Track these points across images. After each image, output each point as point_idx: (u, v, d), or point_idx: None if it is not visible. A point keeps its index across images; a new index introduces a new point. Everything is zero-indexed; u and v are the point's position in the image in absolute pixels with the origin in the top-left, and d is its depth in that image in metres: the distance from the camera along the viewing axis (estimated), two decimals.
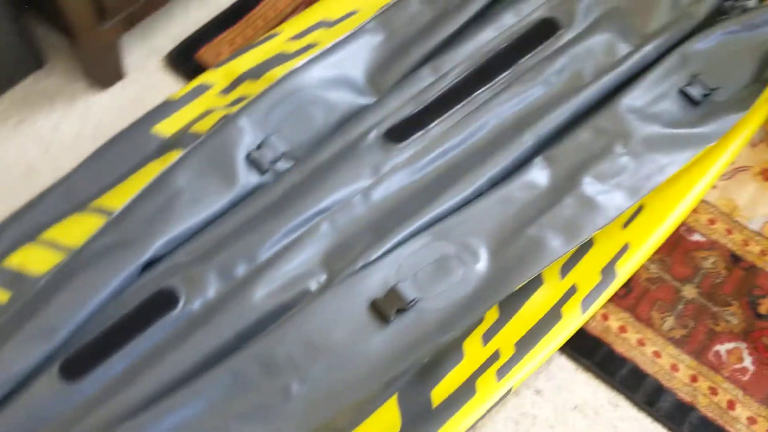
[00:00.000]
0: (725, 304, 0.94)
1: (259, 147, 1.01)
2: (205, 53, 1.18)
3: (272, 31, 1.15)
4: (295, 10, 1.23)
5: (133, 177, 0.99)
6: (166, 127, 1.04)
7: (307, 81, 1.06)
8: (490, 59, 1.10)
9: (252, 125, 1.01)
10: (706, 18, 1.13)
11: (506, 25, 1.13)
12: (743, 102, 1.05)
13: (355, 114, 1.06)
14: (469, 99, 1.06)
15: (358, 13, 1.17)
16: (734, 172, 1.04)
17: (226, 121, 1.01)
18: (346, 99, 1.07)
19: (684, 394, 0.88)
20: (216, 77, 1.09)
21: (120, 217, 0.93)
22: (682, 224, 0.99)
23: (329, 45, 1.09)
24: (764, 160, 1.05)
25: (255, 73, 1.08)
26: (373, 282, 0.90)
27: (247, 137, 1.01)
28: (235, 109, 1.03)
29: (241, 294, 0.89)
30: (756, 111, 1.05)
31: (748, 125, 1.05)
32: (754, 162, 1.05)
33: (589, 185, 0.98)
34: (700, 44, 1.09)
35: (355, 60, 1.10)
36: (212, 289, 0.90)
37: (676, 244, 0.98)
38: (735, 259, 0.97)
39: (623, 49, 1.10)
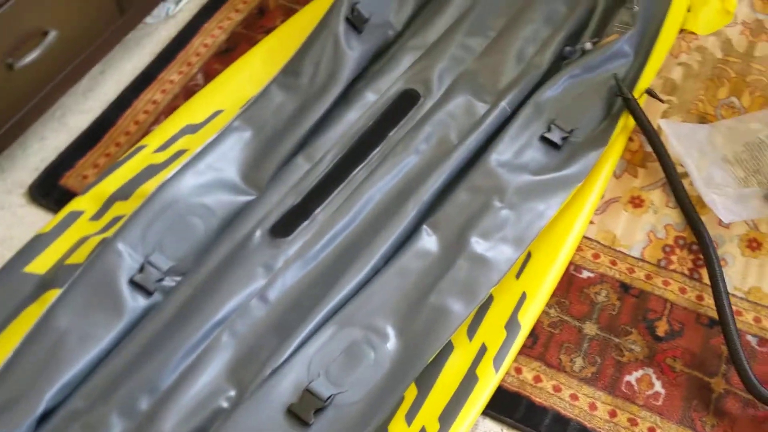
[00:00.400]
0: (625, 333, 0.98)
1: (141, 269, 0.97)
2: (69, 179, 1.13)
3: (138, 145, 1.12)
4: (157, 120, 1.21)
5: (12, 325, 0.93)
6: (39, 265, 0.99)
7: (182, 191, 1.04)
8: (361, 138, 1.12)
9: (131, 247, 0.98)
10: (551, 66, 1.21)
11: (369, 103, 1.16)
12: (600, 138, 1.12)
13: (237, 214, 1.04)
14: (347, 180, 1.07)
15: (223, 112, 1.17)
16: (606, 205, 1.09)
17: (103, 247, 0.97)
18: (224, 201, 1.05)
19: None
20: (85, 203, 1.05)
21: (3, 374, 0.86)
22: (571, 264, 1.03)
23: (198, 150, 1.08)
24: (630, 189, 1.11)
25: (125, 192, 1.05)
26: (286, 387, 0.87)
27: (127, 261, 0.97)
28: (110, 233, 0.99)
29: (150, 429, 0.84)
30: (613, 145, 1.12)
31: (609, 159, 1.11)
32: (621, 192, 1.11)
33: (477, 244, 1.00)
34: (550, 91, 1.15)
35: (227, 160, 1.09)
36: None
37: (570, 284, 1.01)
38: (624, 288, 1.02)
39: (481, 108, 1.14)
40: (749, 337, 0.99)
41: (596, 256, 1.05)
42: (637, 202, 1.10)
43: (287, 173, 1.08)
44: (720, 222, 1.07)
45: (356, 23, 1.20)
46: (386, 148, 1.11)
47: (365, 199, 1.05)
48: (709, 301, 1.01)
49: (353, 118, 1.14)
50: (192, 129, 1.14)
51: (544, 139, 1.11)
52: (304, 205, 1.05)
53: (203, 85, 1.22)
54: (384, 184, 1.07)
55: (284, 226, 1.03)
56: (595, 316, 1.00)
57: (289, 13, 1.35)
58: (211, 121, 1.15)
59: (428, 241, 1.02)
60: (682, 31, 1.28)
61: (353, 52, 1.19)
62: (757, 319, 1.00)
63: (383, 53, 1.24)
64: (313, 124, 1.13)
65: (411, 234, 1.03)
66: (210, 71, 1.27)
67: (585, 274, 1.03)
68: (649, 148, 1.14)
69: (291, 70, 1.18)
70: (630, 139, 1.17)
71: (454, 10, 1.28)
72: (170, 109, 1.21)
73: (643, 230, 1.08)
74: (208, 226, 1.03)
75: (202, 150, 1.08)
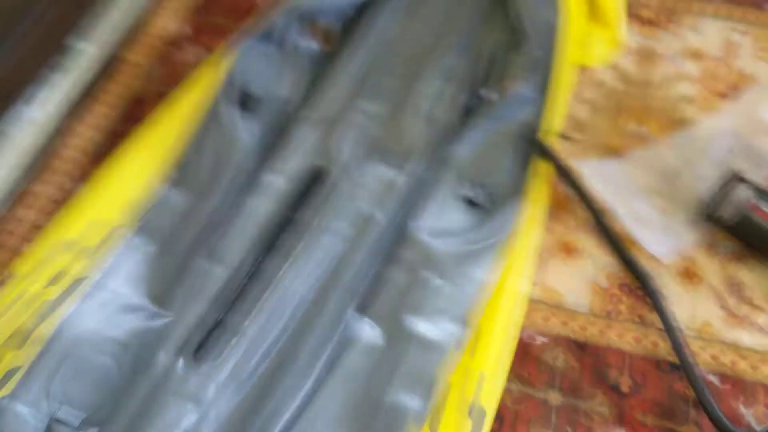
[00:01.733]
0: (591, 396, 0.93)
1: (49, 427, 0.83)
2: None
3: (7, 272, 0.98)
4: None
5: None
6: None
7: (84, 328, 0.92)
8: (272, 229, 1.03)
9: (33, 406, 0.84)
10: (459, 121, 1.16)
11: (274, 188, 1.07)
12: (520, 190, 1.08)
13: (152, 343, 0.92)
14: (267, 283, 0.97)
15: (112, 223, 1.04)
16: (544, 261, 1.05)
17: (1, 412, 0.82)
18: (136, 330, 0.93)
19: None
20: None
21: None
22: (523, 330, 0.97)
23: (97, 277, 0.95)
24: (563, 239, 1.07)
25: (17, 339, 0.91)
26: None
27: (31, 423, 0.83)
28: (4, 392, 0.85)
29: None
30: (536, 194, 1.08)
31: (535, 210, 1.07)
32: (555, 244, 1.07)
33: (420, 325, 0.94)
34: (461, 148, 1.11)
35: (131, 282, 0.98)
36: None
37: (525, 354, 0.96)
38: (580, 347, 0.97)
39: (393, 175, 1.08)
40: (711, 377, 0.96)
41: (546, 318, 1.00)
42: (573, 253, 1.07)
43: (201, 284, 0.97)
44: (653, 257, 1.04)
45: (248, 104, 1.11)
46: (302, 235, 1.02)
47: (291, 297, 0.96)
48: (665, 345, 0.98)
49: (260, 208, 1.05)
50: (77, 248, 1.01)
51: (464, 200, 1.07)
52: (228, 318, 0.94)
53: (81, 193, 1.09)
54: (308, 275, 0.98)
55: (209, 348, 0.92)
56: (558, 383, 0.95)
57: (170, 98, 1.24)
58: (101, 237, 1.02)
59: (369, 332, 0.94)
60: (578, 66, 1.27)
61: (249, 136, 1.11)
62: (714, 356, 0.98)
63: (282, 131, 1.15)
64: (217, 222, 1.03)
65: (348, 328, 0.94)
66: (87, 177, 1.14)
67: (539, 340, 0.98)
68: (569, 188, 1.11)
69: (183, 165, 1.08)
70: (551, 185, 1.13)
71: (349, 77, 1.21)
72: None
73: (586, 282, 1.04)
74: (120, 363, 0.90)
75: (102, 276, 0.96)
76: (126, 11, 1.38)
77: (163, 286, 0.97)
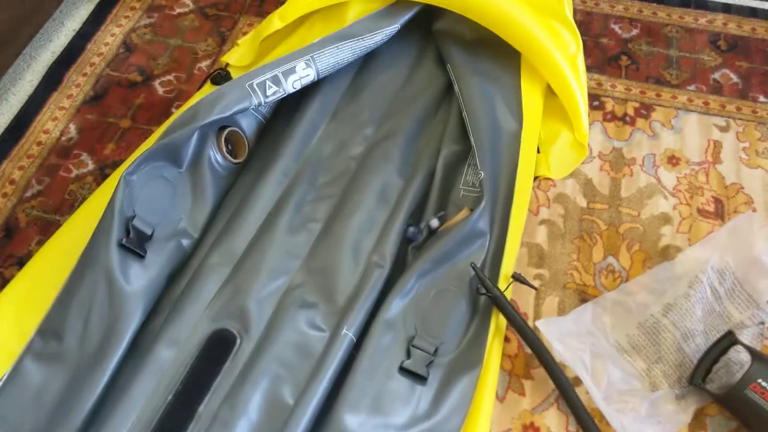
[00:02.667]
0: None
1: None
2: None
3: None
4: None
5: None
6: None
7: None
8: (159, 426, 0.81)
9: None
10: (396, 258, 0.96)
11: (165, 362, 0.86)
12: (472, 353, 0.88)
13: None
14: None
15: None
16: None
17: None
18: None
19: None
20: None
21: None
22: None
23: None
24: (519, 415, 0.87)
25: None
26: None
27: None
28: None
29: None
30: (489, 357, 0.88)
31: (488, 378, 0.87)
32: (510, 422, 0.88)
33: None
34: (400, 300, 0.91)
35: None
36: None
37: None
38: None
39: (317, 341, 0.88)
40: None
41: None
42: None
43: None
44: None
45: (135, 247, 0.89)
46: (202, 424, 0.80)
47: None
48: None
49: (146, 392, 0.83)
50: None
51: (405, 372, 0.86)
52: None
53: None
54: None
55: None
56: None
57: (48, 228, 1.03)
58: None
59: None
60: (536, 178, 1.08)
61: (136, 286, 0.88)
62: None
63: (180, 278, 0.94)
64: (91, 409, 0.81)
65: None
66: None
67: None
68: (529, 349, 0.92)
69: (51, 330, 0.86)
70: (506, 339, 0.94)
71: (266, 199, 1.00)
72: None
73: None
74: None
75: None
76: (4, 112, 1.17)
77: None
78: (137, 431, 0.80)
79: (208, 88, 1.09)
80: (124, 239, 0.87)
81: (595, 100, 1.20)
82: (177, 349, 0.86)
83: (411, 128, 1.08)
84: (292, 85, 1.02)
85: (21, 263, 1.00)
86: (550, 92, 1.13)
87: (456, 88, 1.08)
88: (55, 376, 0.83)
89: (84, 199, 1.06)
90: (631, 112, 1.19)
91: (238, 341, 0.87)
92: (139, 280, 0.88)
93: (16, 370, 0.83)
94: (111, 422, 0.80)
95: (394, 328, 0.88)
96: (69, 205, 1.06)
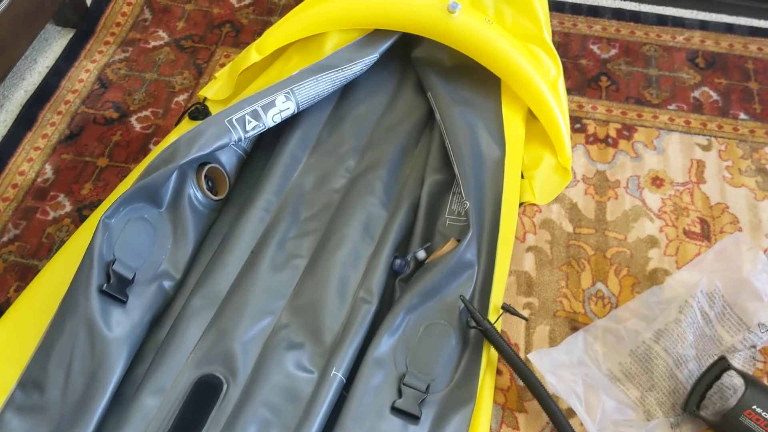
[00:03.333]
0: None
1: None
2: None
3: None
4: None
5: None
6: None
7: None
8: None
9: None
10: (384, 293, 0.95)
11: (150, 412, 0.83)
12: (464, 389, 0.87)
13: None
14: None
15: None
16: None
17: None
18: None
19: None
20: None
21: None
22: None
23: None
24: None
25: None
26: None
27: None
28: None
29: None
30: (482, 390, 0.87)
31: (481, 413, 0.86)
32: None
33: None
34: (388, 337, 0.89)
35: None
36: None
37: None
38: None
39: (305, 384, 0.86)
40: None
41: None
42: None
43: None
44: None
45: (116, 292, 0.87)
46: None
47: None
48: None
49: None
50: None
51: (397, 411, 0.84)
52: None
53: None
54: None
55: None
56: None
57: (26, 273, 1.00)
58: None
59: None
60: (521, 204, 1.07)
61: (117, 333, 0.86)
62: None
63: (162, 323, 0.92)
64: None
65: None
66: None
67: None
68: (522, 382, 0.90)
69: (32, 382, 0.83)
70: (498, 372, 0.92)
71: (248, 236, 0.98)
72: None
73: None
74: None
75: None
76: None
77: None
78: None
79: (186, 124, 1.07)
80: (105, 285, 0.85)
81: (576, 123, 1.20)
82: (162, 398, 0.84)
83: (393, 158, 1.07)
84: (272, 119, 1.01)
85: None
86: (531, 117, 1.12)
87: (437, 116, 1.07)
88: (38, 430, 0.80)
89: (62, 242, 1.04)
90: (613, 133, 1.19)
91: (225, 387, 0.85)
92: (121, 326, 0.86)
93: None
94: None
95: (384, 366, 0.87)
96: (47, 249, 1.04)
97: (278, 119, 1.02)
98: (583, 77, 1.28)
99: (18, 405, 0.82)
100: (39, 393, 0.82)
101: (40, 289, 0.92)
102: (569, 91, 1.22)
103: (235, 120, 0.97)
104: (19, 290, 0.99)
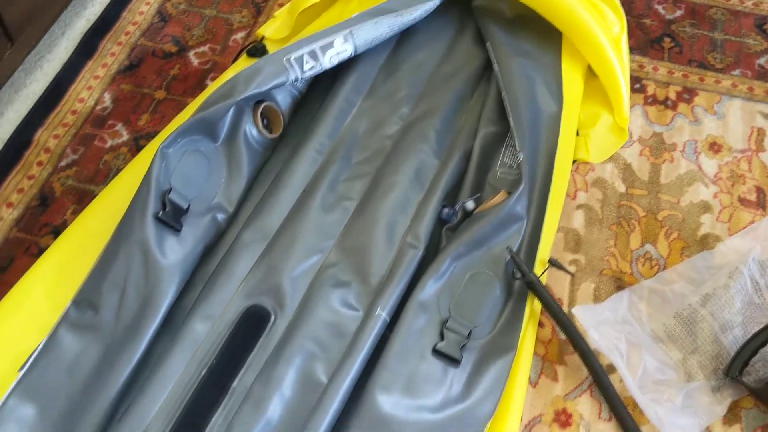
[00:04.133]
0: None
1: None
2: None
3: None
4: None
5: None
6: None
7: None
8: (193, 398, 0.81)
9: None
10: (431, 240, 0.95)
11: (199, 337, 0.85)
12: (506, 338, 0.87)
13: None
14: None
15: None
16: (527, 430, 0.85)
17: None
18: None
19: None
20: None
21: None
22: None
23: None
24: (552, 400, 0.87)
25: None
26: None
27: None
28: None
29: None
30: (523, 342, 0.87)
31: (521, 363, 0.87)
32: (542, 407, 0.87)
33: None
34: (434, 282, 0.90)
35: None
36: None
37: None
38: None
39: (350, 321, 0.87)
40: None
41: None
42: (563, 420, 0.87)
43: None
44: None
45: (171, 220, 0.89)
46: (230, 408, 0.81)
47: None
48: None
49: (180, 367, 0.84)
50: None
51: (438, 354, 0.85)
52: None
53: None
54: None
55: None
56: None
57: (83, 198, 1.03)
58: None
59: None
60: (574, 162, 1.06)
61: (171, 260, 0.88)
62: None
63: (214, 254, 0.94)
64: (125, 381, 0.81)
65: None
66: None
67: None
68: (564, 335, 0.91)
69: (87, 301, 0.86)
70: (540, 324, 0.93)
71: (300, 176, 0.99)
72: None
73: None
74: None
75: None
76: (39, 79, 1.17)
77: None
78: (171, 404, 0.80)
79: (243, 61, 1.08)
80: (161, 212, 0.87)
81: (636, 83, 1.17)
82: (212, 324, 0.86)
83: (448, 107, 1.06)
84: (329, 60, 1.01)
85: (56, 232, 1.00)
86: (590, 74, 1.10)
87: (495, 67, 1.06)
88: (90, 348, 0.83)
89: (118, 170, 1.06)
90: (673, 96, 1.16)
91: (273, 318, 0.87)
92: (174, 253, 0.88)
93: (52, 339, 0.83)
94: (145, 395, 0.81)
95: (428, 310, 0.88)
96: (103, 176, 1.07)
97: (335, 61, 1.02)
98: (646, 37, 1.25)
99: (72, 322, 0.84)
100: (93, 312, 0.85)
101: (97, 213, 0.95)
102: (631, 50, 1.20)
103: (293, 59, 0.97)
104: (75, 213, 1.01)
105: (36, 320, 0.86)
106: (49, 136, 1.11)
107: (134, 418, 0.79)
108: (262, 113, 1.00)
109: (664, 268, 0.98)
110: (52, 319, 0.85)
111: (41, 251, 0.96)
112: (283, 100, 1.05)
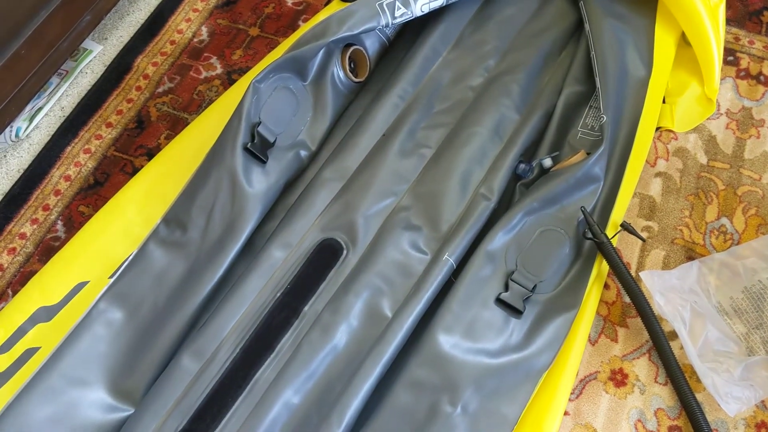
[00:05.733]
0: None
1: None
2: None
3: None
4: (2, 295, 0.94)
5: None
6: None
7: (28, 419, 0.78)
8: (267, 319, 0.87)
9: None
10: (504, 193, 0.97)
11: (276, 263, 0.90)
12: (570, 296, 0.89)
13: None
14: (248, 387, 0.82)
15: (88, 285, 0.90)
16: (582, 385, 0.87)
17: None
18: (87, 424, 0.79)
19: None
20: None
21: None
22: None
23: (48, 357, 0.81)
24: (610, 360, 0.88)
25: None
26: None
27: None
28: None
29: None
30: (586, 301, 0.89)
31: (583, 320, 0.88)
32: (599, 365, 0.88)
33: None
34: (504, 234, 0.91)
35: (90, 364, 0.83)
36: None
37: None
38: None
39: (419, 263, 0.90)
40: None
41: None
42: (619, 379, 0.88)
43: (171, 379, 0.83)
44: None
45: (258, 152, 0.94)
46: (300, 330, 0.86)
47: (275, 411, 0.81)
48: None
49: (256, 288, 0.89)
50: (46, 314, 0.87)
51: (501, 303, 0.87)
52: (192, 428, 0.79)
53: (65, 240, 0.95)
54: (300, 385, 0.82)
55: None
56: None
57: (176, 124, 1.08)
58: (71, 302, 0.88)
59: None
60: (658, 129, 1.05)
61: (256, 189, 0.93)
62: None
63: (296, 188, 0.98)
64: (206, 297, 0.87)
65: None
66: (74, 218, 0.99)
67: None
68: (628, 298, 0.92)
69: (176, 221, 0.92)
70: (605, 286, 0.94)
71: (381, 120, 1.02)
72: (21, 278, 0.93)
73: (630, 419, 0.86)
74: None
75: (54, 353, 0.82)
76: (142, 8, 1.22)
77: (127, 372, 0.83)
78: (246, 321, 0.86)
79: (336, 4, 1.10)
80: (249, 144, 0.91)
81: (729, 55, 1.15)
82: (289, 251, 0.90)
83: (534, 64, 1.06)
84: (420, 8, 1.02)
85: (149, 154, 1.06)
86: (683, 41, 1.08)
87: (587, 26, 1.05)
88: (176, 263, 0.89)
89: (211, 101, 1.11)
90: (766, 71, 1.13)
91: (345, 252, 0.91)
92: (259, 183, 0.93)
93: (142, 252, 0.90)
94: (224, 310, 0.86)
95: (495, 260, 0.90)
96: (197, 105, 1.12)
97: (426, 9, 1.03)
98: (745, 9, 1.21)
99: (161, 238, 0.90)
100: (181, 231, 0.90)
101: (189, 139, 1.00)
102: (727, 21, 1.17)
103: (386, 4, 0.99)
104: (168, 138, 1.07)
105: (128, 233, 0.92)
106: (149, 63, 1.17)
107: (212, 331, 0.85)
108: (350, 57, 1.03)
109: (738, 243, 0.97)
110: (143, 233, 0.92)
111: (135, 170, 1.02)
112: (371, 45, 1.07)
